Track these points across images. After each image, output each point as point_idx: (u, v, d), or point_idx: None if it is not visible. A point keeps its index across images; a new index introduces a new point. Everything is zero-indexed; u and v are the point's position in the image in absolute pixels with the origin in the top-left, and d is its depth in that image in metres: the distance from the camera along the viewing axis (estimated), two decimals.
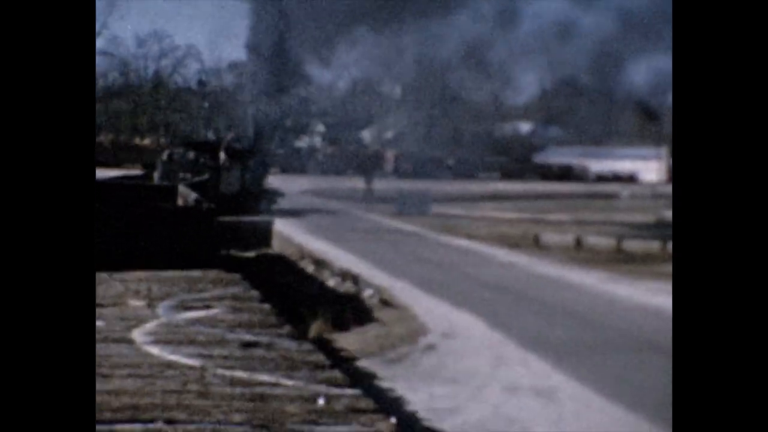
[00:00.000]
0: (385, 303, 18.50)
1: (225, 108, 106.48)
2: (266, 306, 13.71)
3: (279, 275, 21.99)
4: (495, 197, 64.16)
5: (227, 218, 28.84)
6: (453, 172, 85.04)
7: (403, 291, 20.45)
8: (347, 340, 15.22)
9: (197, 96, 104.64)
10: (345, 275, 21.71)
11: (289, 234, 33.12)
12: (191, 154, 47.89)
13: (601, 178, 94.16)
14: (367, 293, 19.11)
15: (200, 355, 10.19)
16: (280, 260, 25.73)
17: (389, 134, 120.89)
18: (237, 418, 7.98)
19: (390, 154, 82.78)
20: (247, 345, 10.88)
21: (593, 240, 34.15)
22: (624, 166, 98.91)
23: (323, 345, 13.94)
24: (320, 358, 10.48)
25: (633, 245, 33.07)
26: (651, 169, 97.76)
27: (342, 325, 16.39)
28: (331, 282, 21.02)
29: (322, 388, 8.95)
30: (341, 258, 26.35)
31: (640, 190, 75.86)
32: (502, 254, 29.84)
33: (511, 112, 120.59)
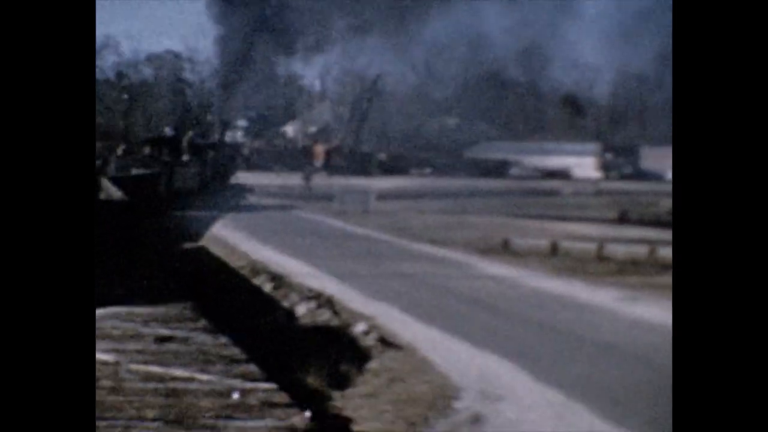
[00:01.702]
0: (384, 342, 13.94)
1: (143, 101, 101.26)
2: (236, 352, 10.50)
3: (234, 301, 17.44)
4: (434, 194, 59.91)
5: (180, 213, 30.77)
6: (385, 168, 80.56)
7: (393, 320, 15.96)
8: (355, 407, 10.67)
9: (116, 89, 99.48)
10: (318, 299, 17.17)
11: (233, 240, 28.44)
12: (147, 150, 45.83)
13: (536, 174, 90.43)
14: (359, 328, 14.53)
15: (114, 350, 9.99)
16: (230, 276, 21.10)
17: (313, 129, 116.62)
18: (150, 413, 7.79)
19: (320, 149, 78.03)
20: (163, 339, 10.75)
21: (567, 244, 29.96)
22: (557, 162, 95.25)
23: (324, 416, 9.58)
24: (235, 351, 10.33)
25: (615, 250, 28.83)
26: (585, 165, 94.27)
27: (340, 379, 11.89)
28: (303, 308, 16.45)
29: (237, 383, 8.83)
30: (299, 271, 21.81)
31: (581, 186, 72.26)
32: (478, 263, 25.50)
33: (436, 107, 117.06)
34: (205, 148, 47.11)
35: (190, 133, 48.23)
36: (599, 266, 26.04)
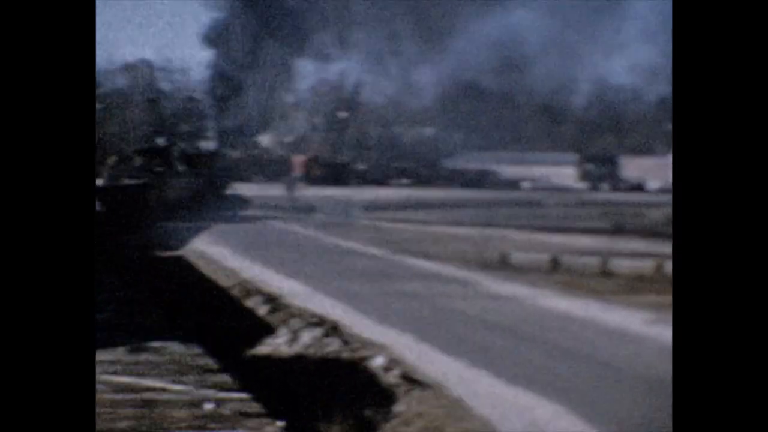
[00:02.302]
0: (408, 379, 11.95)
1: (119, 110, 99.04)
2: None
3: (225, 327, 15.51)
4: (416, 205, 58.05)
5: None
6: (365, 178, 78.60)
7: (409, 350, 14.00)
8: None
9: None
10: (323, 325, 15.21)
11: (218, 256, 26.43)
12: (138, 160, 45.20)
13: (516, 184, 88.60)
14: (377, 362, 12.55)
15: None
16: (218, 298, 19.15)
17: (288, 139, 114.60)
18: (122, 425, 7.69)
19: (298, 160, 75.93)
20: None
21: (568, 259, 28.11)
22: (536, 171, 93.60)
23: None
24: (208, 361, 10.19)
25: (620, 265, 26.93)
26: (564, 174, 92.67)
27: (364, 428, 9.95)
28: (307, 337, 14.47)
29: (211, 393, 8.72)
30: (294, 291, 19.84)
31: (564, 197, 70.51)
32: (482, 281, 23.58)
33: (412, 118, 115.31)
34: (199, 158, 46.84)
35: (182, 144, 48.27)
36: (607, 283, 24.17)
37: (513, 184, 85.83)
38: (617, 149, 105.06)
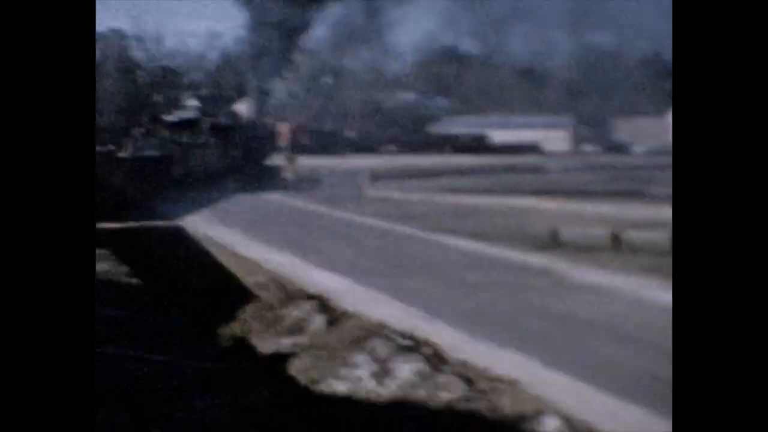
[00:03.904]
0: None
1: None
2: None
3: (274, 353, 11.18)
4: (419, 173, 53.59)
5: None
6: (354, 146, 73.98)
7: (553, 388, 9.69)
8: None
9: None
10: (417, 348, 10.84)
11: (232, 241, 21.99)
12: (165, 132, 45.33)
13: (505, 149, 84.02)
14: (549, 426, 8.15)
15: None
16: (251, 304, 14.75)
17: (268, 107, 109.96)
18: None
19: (284, 129, 71.13)
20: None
21: (630, 234, 23.80)
22: (525, 135, 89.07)
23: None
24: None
25: None
26: (555, 138, 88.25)
27: None
28: (406, 369, 10.10)
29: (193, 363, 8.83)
30: (341, 289, 15.47)
31: (568, 161, 66.19)
32: (555, 267, 19.27)
33: (392, 83, 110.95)
34: (231, 130, 46.45)
35: (213, 116, 47.94)
36: None
37: (620, 148, 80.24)
38: (602, 111, 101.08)
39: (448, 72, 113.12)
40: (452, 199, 37.28)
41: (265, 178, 41.93)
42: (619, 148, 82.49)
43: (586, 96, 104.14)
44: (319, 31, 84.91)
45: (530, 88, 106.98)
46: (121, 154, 38.95)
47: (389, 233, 25.16)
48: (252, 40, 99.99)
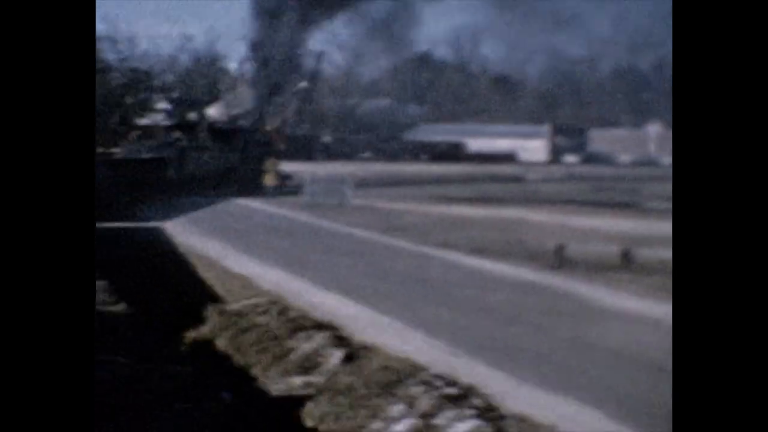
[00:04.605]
0: None
1: None
2: None
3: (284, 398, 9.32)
4: (399, 182, 51.79)
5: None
6: (330, 152, 72.06)
7: None
8: None
9: None
10: (464, 398, 9.00)
11: (216, 254, 20.07)
12: (162, 135, 44.73)
13: (480, 158, 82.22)
14: None
15: None
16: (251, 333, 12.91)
17: (237, 111, 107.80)
18: None
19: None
20: None
21: (642, 252, 22.12)
22: (502, 144, 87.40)
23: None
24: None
25: None
26: (532, 148, 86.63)
27: None
28: (463, 429, 8.24)
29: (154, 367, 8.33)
30: (351, 315, 13.62)
31: (548, 171, 64.54)
32: (569, 286, 17.53)
33: (366, 89, 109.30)
34: (231, 133, 42.99)
35: (208, 119, 47.38)
36: None
37: (603, 158, 78.78)
38: (576, 121, 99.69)
39: (421, 79, 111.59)
40: (439, 209, 35.49)
41: (262, 183, 41.17)
42: (603, 159, 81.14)
43: (561, 106, 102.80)
44: (295, 35, 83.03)
45: (505, 97, 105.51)
46: (116, 156, 38.58)
47: (384, 247, 23.29)
48: (225, 44, 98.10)
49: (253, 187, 40.98)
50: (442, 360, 10.92)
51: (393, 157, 76.23)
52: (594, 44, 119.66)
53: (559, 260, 21.65)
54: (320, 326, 12.46)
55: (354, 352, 11.03)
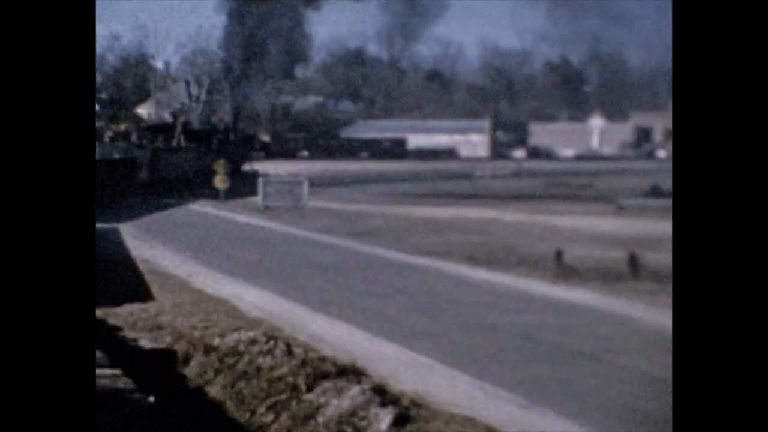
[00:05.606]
0: None
1: None
2: None
3: None
4: (345, 181, 49.16)
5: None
6: (270, 151, 69.23)
7: None
8: None
9: None
10: None
11: (180, 270, 17.26)
12: (134, 136, 43.98)
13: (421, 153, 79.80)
14: None
15: None
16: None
17: (167, 111, 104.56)
18: None
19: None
20: None
21: (651, 258, 19.71)
22: (441, 140, 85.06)
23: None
24: None
25: None
26: (472, 143, 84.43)
27: None
28: None
29: None
30: (370, 356, 10.98)
31: (495, 167, 62.33)
32: (589, 299, 15.09)
33: (297, 86, 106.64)
34: (207, 134, 43.57)
35: (182, 120, 45.63)
36: None
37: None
38: (514, 115, 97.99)
39: (354, 76, 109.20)
40: (402, 209, 32.95)
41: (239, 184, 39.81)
42: (545, 154, 79.46)
43: (497, 100, 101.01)
44: (228, 32, 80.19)
45: (440, 92, 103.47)
46: None
47: (365, 257, 20.62)
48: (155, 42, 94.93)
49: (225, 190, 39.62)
50: (514, 416, 8.33)
51: (331, 155, 73.65)
52: (527, 38, 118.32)
53: (563, 269, 19.26)
54: (344, 370, 9.75)
55: (404, 411, 8.35)
